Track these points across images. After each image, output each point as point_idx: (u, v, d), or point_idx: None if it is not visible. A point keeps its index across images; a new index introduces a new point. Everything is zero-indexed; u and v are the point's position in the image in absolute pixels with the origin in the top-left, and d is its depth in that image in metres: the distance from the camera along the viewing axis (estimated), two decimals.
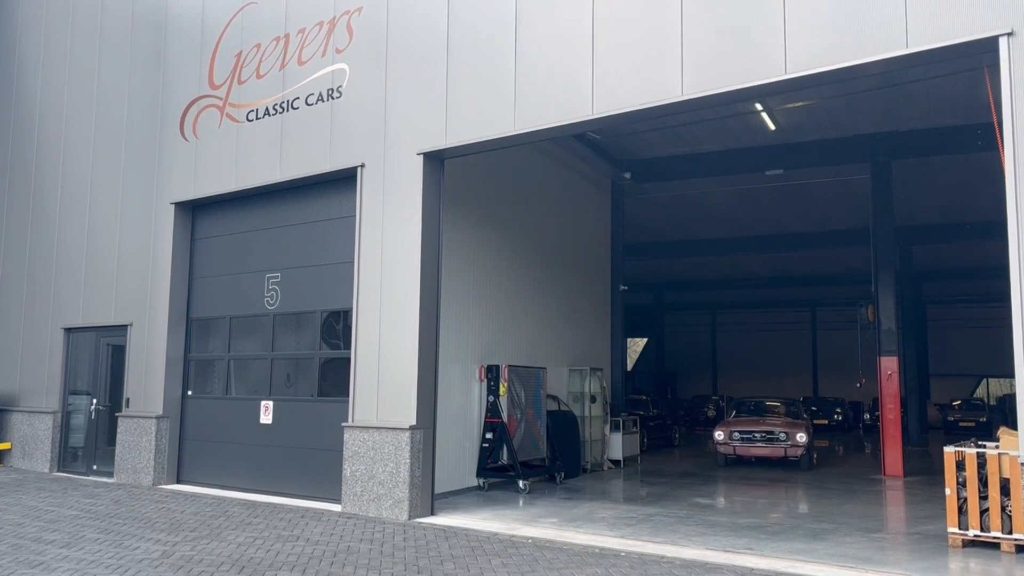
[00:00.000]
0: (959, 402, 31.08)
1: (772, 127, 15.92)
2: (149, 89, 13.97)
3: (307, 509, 10.65)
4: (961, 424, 29.22)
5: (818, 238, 24.96)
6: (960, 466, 8.59)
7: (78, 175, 15.10)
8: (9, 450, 15.48)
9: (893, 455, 15.30)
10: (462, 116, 10.09)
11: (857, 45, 7.62)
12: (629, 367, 41.06)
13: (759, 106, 14.81)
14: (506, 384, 12.52)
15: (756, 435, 16.19)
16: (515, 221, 13.94)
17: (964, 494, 8.52)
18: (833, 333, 39.40)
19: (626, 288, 18.76)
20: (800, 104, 14.86)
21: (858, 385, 33.90)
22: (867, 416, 31.14)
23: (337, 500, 10.89)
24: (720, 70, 8.32)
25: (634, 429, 17.11)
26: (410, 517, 9.86)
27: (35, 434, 15.01)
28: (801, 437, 15.84)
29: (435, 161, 10.58)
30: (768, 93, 8.61)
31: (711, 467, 16.53)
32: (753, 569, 7.46)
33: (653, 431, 20.03)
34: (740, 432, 16.36)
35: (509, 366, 12.64)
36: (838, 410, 30.79)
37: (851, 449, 22.14)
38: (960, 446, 8.76)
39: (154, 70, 13.92)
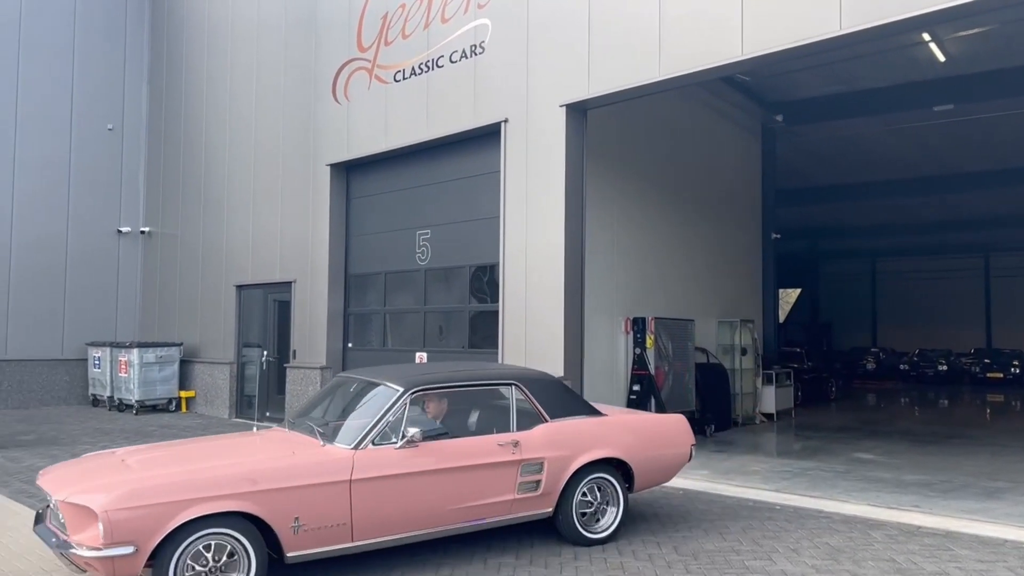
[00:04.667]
0: None
1: (941, 58, 14.68)
2: (303, 55, 14.59)
3: None
4: None
5: (994, 177, 22.92)
6: None
7: (243, 141, 16.08)
8: (194, 397, 16.97)
9: None
10: (605, 65, 9.93)
11: None
12: (782, 318, 39.65)
13: (926, 36, 13.68)
14: (652, 336, 12.41)
15: None
16: (660, 169, 13.65)
17: None
18: (1010, 280, 36.32)
19: (778, 236, 18.05)
20: (974, 31, 13.59)
21: None
22: None
23: None
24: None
25: (787, 382, 16.58)
26: None
27: (215, 383, 16.36)
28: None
29: (578, 112, 10.49)
30: (938, 21, 7.94)
31: (872, 421, 15.78)
32: (920, 527, 7.12)
33: (808, 384, 19.32)
34: None
35: (656, 318, 12.51)
36: (1015, 363, 28.52)
37: None
38: None
39: (307, 36, 14.52)
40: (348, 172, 14.07)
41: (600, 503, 6.49)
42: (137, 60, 19.41)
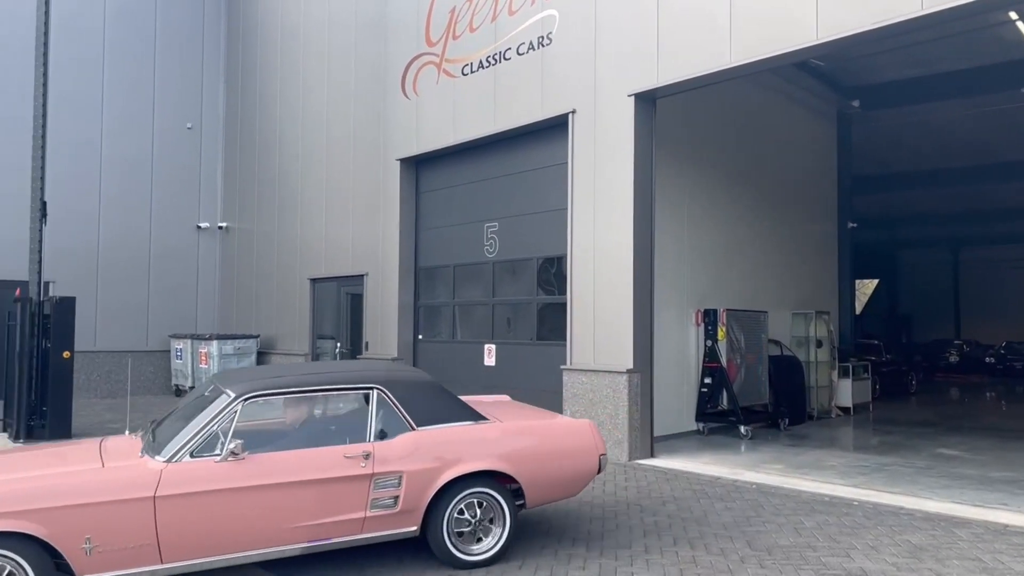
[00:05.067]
0: None
1: None
2: (373, 51, 14.80)
3: None
4: None
5: None
6: None
7: (315, 137, 16.42)
8: None
9: None
10: (674, 53, 9.79)
11: None
12: (858, 310, 38.48)
13: (1013, 15, 13.07)
14: (724, 328, 12.23)
15: None
16: (731, 159, 13.41)
17: None
18: None
19: (854, 225, 17.54)
20: None
21: None
22: None
23: None
24: None
25: (865, 375, 16.12)
26: (630, 458, 10.00)
27: None
28: None
29: (646, 102, 10.38)
30: None
31: (955, 416, 15.22)
32: (1008, 525, 6.85)
33: (886, 377, 18.76)
34: None
35: (727, 310, 12.32)
36: None
37: None
38: None
39: (376, 33, 14.72)
40: (417, 166, 14.23)
41: (480, 522, 5.68)
42: (214, 61, 20.01)
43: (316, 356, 16.34)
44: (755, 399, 12.76)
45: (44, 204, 12.25)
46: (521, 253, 12.24)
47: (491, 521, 5.74)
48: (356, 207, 15.14)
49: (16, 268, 17.04)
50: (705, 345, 12.28)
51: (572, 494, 6.01)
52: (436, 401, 5.70)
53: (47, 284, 16.89)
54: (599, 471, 5.93)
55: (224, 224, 19.74)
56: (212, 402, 5.37)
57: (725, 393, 12.20)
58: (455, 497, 5.54)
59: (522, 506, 5.92)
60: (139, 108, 18.86)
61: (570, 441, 5.88)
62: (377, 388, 5.56)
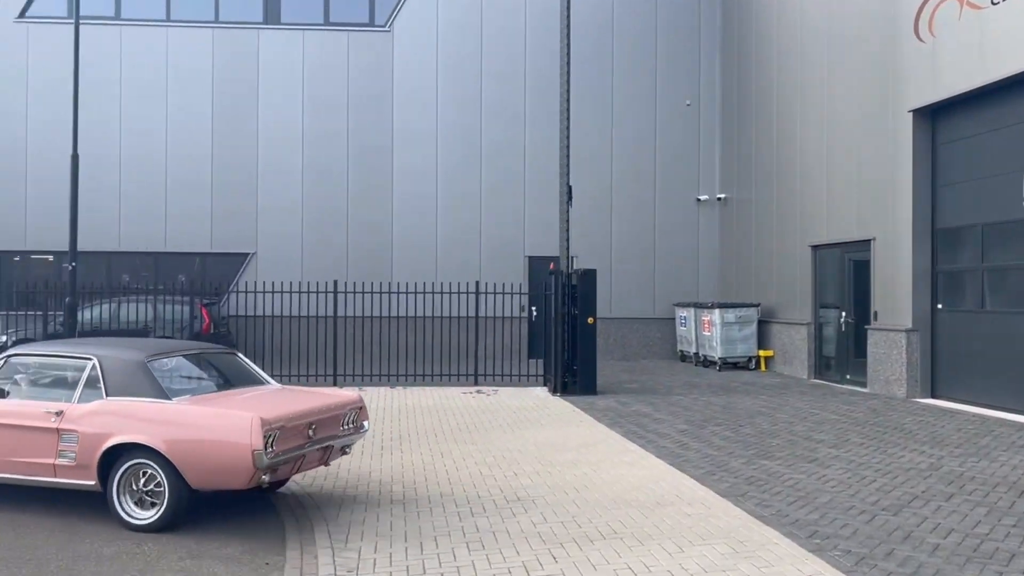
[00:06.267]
0: None
1: None
2: None
3: None
4: None
5: None
6: None
7: (814, 100, 15.79)
8: (772, 357, 17.42)
9: None
10: None
11: None
12: None
13: None
14: None
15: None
16: None
17: None
18: None
19: None
20: None
21: None
22: None
23: None
24: None
25: None
26: None
27: (792, 343, 16.53)
28: None
29: None
30: None
31: None
32: None
33: None
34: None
35: None
36: None
37: None
38: None
39: None
40: (933, 116, 12.76)
41: (145, 490, 6.19)
42: (710, 38, 20.49)
43: (819, 326, 15.81)
44: None
45: (570, 188, 13.93)
46: None
47: (156, 493, 6.14)
48: (860, 168, 14.18)
49: (549, 244, 19.74)
50: None
51: (236, 485, 6.04)
52: (134, 378, 6.42)
53: (573, 258, 19.22)
54: (255, 466, 5.79)
55: (722, 195, 20.18)
56: None
57: None
58: (123, 464, 6.16)
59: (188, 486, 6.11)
60: (642, 90, 20.27)
61: (221, 433, 5.98)
62: (94, 359, 6.54)
